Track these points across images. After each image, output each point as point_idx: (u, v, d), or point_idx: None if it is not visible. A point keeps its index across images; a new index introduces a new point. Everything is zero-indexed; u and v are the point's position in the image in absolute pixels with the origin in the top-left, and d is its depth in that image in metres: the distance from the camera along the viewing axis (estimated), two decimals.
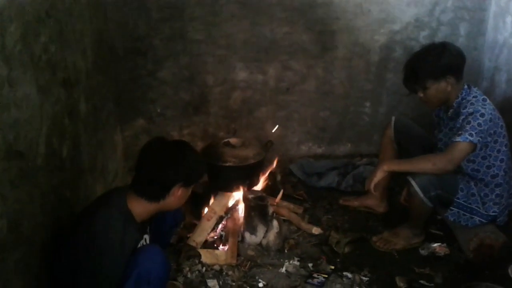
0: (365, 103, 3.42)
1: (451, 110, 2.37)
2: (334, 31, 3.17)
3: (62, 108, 1.98)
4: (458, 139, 2.20)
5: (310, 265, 2.40)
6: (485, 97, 2.33)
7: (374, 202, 2.85)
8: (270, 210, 2.58)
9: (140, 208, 1.73)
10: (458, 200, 2.35)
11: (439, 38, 3.23)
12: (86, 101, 2.31)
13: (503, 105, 3.02)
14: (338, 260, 2.45)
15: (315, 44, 3.21)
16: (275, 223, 2.54)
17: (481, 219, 2.36)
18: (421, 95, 2.35)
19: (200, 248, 2.46)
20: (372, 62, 3.30)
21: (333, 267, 2.38)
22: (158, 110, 3.23)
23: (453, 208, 2.37)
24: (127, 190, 1.78)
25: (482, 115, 2.22)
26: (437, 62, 2.27)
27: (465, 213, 2.37)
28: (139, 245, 1.78)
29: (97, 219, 1.66)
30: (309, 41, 3.19)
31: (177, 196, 1.77)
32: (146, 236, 1.88)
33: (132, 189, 1.75)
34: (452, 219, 2.40)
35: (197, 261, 2.40)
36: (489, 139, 2.27)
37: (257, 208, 2.54)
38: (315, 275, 2.30)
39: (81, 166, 2.23)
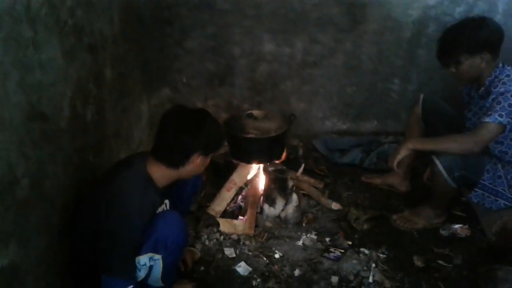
0: (394, 80, 3.33)
1: (482, 89, 2.28)
2: (365, 4, 3.07)
3: (87, 73, 2.01)
4: (487, 119, 2.13)
5: (327, 239, 2.41)
6: None
7: (396, 181, 2.81)
8: (290, 183, 2.58)
9: (159, 173, 1.76)
10: (483, 182, 2.29)
11: (475, 14, 3.08)
12: (111, 67, 2.34)
13: None
14: (356, 236, 2.44)
15: (345, 17, 3.12)
16: (294, 196, 2.54)
17: (506, 202, 2.30)
18: (453, 70, 2.27)
19: (219, 217, 2.50)
20: (404, 38, 3.19)
21: (350, 243, 2.38)
22: (184, 80, 3.24)
23: (478, 190, 2.31)
24: (148, 155, 1.80)
25: None
26: (474, 36, 2.18)
27: (490, 195, 2.31)
28: (159, 210, 1.82)
29: (117, 182, 1.69)
30: (339, 14, 3.11)
31: (196, 164, 1.78)
32: (167, 202, 1.92)
33: (152, 155, 1.77)
34: (476, 201, 2.35)
35: (215, 230, 2.44)
36: None
37: (277, 180, 2.54)
38: (331, 249, 2.31)
39: (105, 132, 2.27)
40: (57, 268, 1.69)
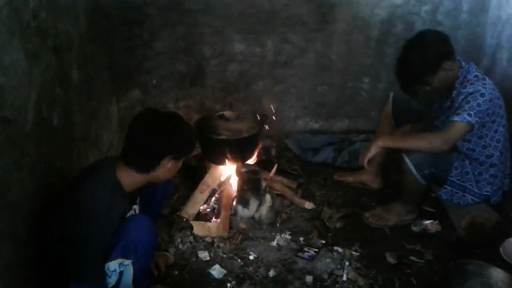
0: (363, 79, 3.37)
1: (455, 92, 2.30)
2: (334, 3, 3.10)
3: (53, 75, 1.95)
4: (455, 118, 2.17)
5: (301, 239, 2.41)
6: (485, 76, 2.28)
7: (368, 178, 2.84)
8: (264, 184, 2.57)
9: (129, 178, 1.72)
10: (451, 179, 2.34)
11: (441, 13, 3.17)
12: (78, 69, 2.28)
13: (503, 83, 2.97)
14: (330, 234, 2.46)
15: (315, 16, 3.14)
16: (268, 197, 2.54)
17: (473, 198, 2.35)
18: (427, 88, 2.30)
19: (193, 220, 2.47)
20: (372, 37, 3.24)
21: (324, 242, 2.39)
22: (154, 81, 3.19)
23: (447, 187, 2.36)
24: (117, 159, 1.77)
25: (482, 95, 2.18)
26: (426, 59, 2.20)
27: (457, 191, 2.35)
28: (128, 215, 1.78)
29: (85, 187, 1.65)
30: (309, 14, 3.13)
31: (167, 168, 1.75)
32: (136, 207, 1.88)
33: (121, 159, 1.74)
34: (445, 197, 2.39)
35: (189, 233, 2.41)
36: (487, 119, 2.24)
37: (250, 181, 2.53)
38: (305, 248, 2.32)
39: (73, 135, 2.22)
40: (24, 277, 1.63)
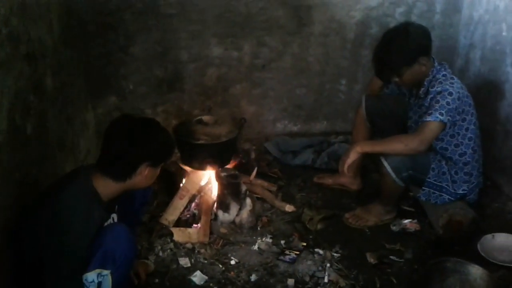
0: (341, 80, 3.40)
1: (422, 89, 2.36)
2: (310, 6, 3.12)
3: (26, 83, 1.92)
4: (428, 118, 2.20)
5: (282, 242, 2.41)
6: (453, 76, 2.32)
7: (347, 180, 2.86)
8: (244, 188, 2.57)
9: (105, 187, 1.70)
10: (429, 180, 2.37)
11: (415, 14, 3.21)
12: (53, 76, 2.24)
13: (476, 83, 3.04)
14: (311, 237, 2.46)
15: (291, 19, 3.16)
16: (248, 201, 2.54)
17: (450, 197, 2.39)
18: (397, 79, 2.32)
19: (172, 226, 2.45)
20: (348, 39, 3.27)
21: (305, 244, 2.39)
22: (131, 87, 3.16)
23: (425, 188, 2.39)
24: (94, 168, 1.74)
25: (450, 93, 2.22)
26: (406, 48, 2.23)
27: (435, 191, 2.39)
28: (106, 224, 1.75)
29: (61, 197, 1.62)
30: (285, 17, 3.14)
31: (144, 175, 1.73)
32: (114, 215, 1.86)
33: (97, 167, 1.71)
34: (424, 199, 2.43)
35: (169, 240, 2.39)
36: (457, 117, 2.28)
37: (230, 186, 2.53)
38: (287, 252, 2.32)
39: (48, 144, 2.18)
40: None
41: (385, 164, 2.33)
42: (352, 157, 2.33)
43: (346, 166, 2.34)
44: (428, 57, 2.29)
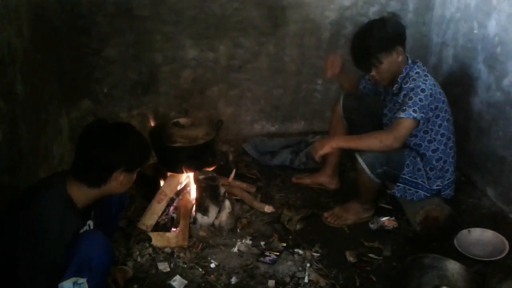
0: (317, 80, 3.41)
1: (395, 86, 2.39)
2: (284, 6, 3.13)
3: None
4: (402, 115, 2.23)
5: (262, 243, 2.40)
6: (427, 73, 2.36)
7: (325, 179, 2.87)
8: (222, 190, 2.55)
9: (80, 193, 1.66)
10: (404, 176, 2.39)
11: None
12: (24, 81, 2.19)
13: (449, 80, 3.09)
14: (290, 237, 2.46)
15: (266, 20, 3.15)
16: (227, 203, 2.52)
17: (426, 193, 2.42)
18: (374, 72, 2.34)
19: (151, 231, 2.42)
20: (323, 39, 3.28)
21: (285, 245, 2.39)
22: (105, 90, 3.11)
23: (400, 184, 2.41)
24: (68, 174, 1.70)
25: (423, 90, 2.25)
26: (384, 34, 2.27)
27: (410, 187, 2.41)
28: (81, 231, 1.72)
29: (34, 205, 1.59)
30: (260, 17, 3.13)
31: (119, 181, 1.70)
32: (90, 222, 1.82)
33: (71, 174, 1.68)
34: (399, 195, 2.45)
35: (147, 245, 2.36)
36: (430, 114, 2.31)
37: (208, 188, 2.51)
38: (267, 253, 2.31)
39: (20, 150, 2.13)
40: None
41: (360, 160, 2.35)
42: (326, 150, 2.35)
43: (319, 155, 2.37)
44: (403, 48, 2.32)
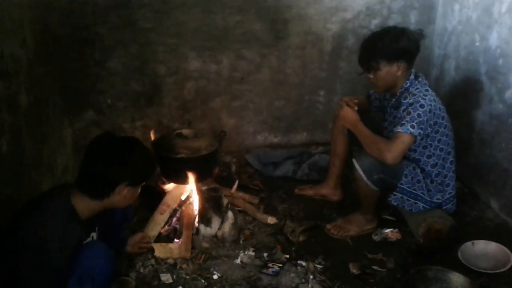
0: (319, 92, 3.43)
1: (393, 100, 2.40)
2: (286, 19, 3.15)
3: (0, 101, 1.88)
4: (399, 129, 2.23)
5: (265, 255, 2.40)
6: (428, 88, 2.36)
7: (328, 191, 2.87)
8: (225, 201, 2.55)
9: (83, 205, 1.67)
10: (401, 186, 2.38)
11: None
12: (27, 93, 2.21)
13: (452, 93, 3.10)
14: (293, 249, 2.45)
15: (268, 32, 3.18)
16: (230, 214, 2.52)
17: (424, 205, 2.41)
18: (372, 76, 2.36)
19: (153, 242, 2.41)
20: (325, 51, 3.30)
21: (288, 256, 2.38)
22: (109, 102, 3.12)
23: (396, 193, 2.40)
24: (72, 186, 1.71)
25: (422, 106, 2.25)
26: (394, 45, 2.28)
27: (409, 198, 2.40)
28: (84, 243, 1.72)
29: (38, 215, 1.60)
30: (262, 30, 3.16)
31: (122, 195, 1.71)
32: (94, 234, 1.82)
33: (76, 186, 1.68)
34: (395, 204, 2.43)
35: (150, 256, 2.35)
36: (429, 129, 2.31)
37: (211, 199, 2.51)
38: (269, 264, 2.30)
39: (23, 162, 2.14)
40: None
41: (357, 166, 2.36)
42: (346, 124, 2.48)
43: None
44: (408, 65, 2.33)
